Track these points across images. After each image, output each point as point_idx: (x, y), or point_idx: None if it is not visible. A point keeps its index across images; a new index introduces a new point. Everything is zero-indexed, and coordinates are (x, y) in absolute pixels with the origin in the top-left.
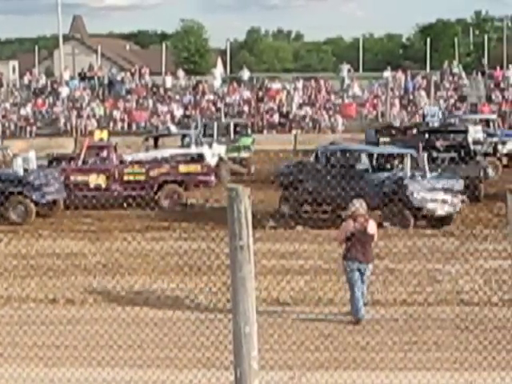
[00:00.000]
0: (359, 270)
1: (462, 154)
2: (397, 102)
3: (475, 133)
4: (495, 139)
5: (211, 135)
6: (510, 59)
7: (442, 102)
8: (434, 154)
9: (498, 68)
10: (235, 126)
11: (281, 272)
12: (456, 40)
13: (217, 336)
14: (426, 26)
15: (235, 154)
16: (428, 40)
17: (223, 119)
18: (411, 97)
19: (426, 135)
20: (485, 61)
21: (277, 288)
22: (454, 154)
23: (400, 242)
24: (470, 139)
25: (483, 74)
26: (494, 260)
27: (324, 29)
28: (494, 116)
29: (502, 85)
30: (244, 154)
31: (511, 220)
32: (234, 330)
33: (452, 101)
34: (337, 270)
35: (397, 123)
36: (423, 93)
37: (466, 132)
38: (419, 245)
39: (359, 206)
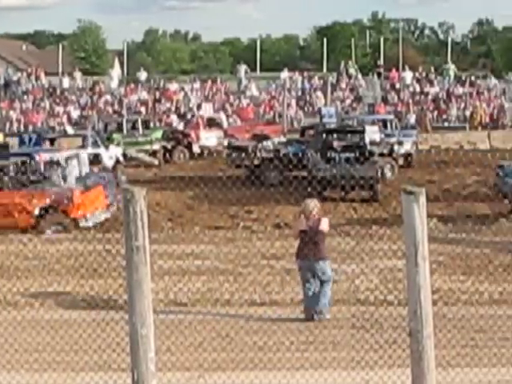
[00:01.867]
0: (308, 267)
1: (359, 154)
2: (294, 102)
3: (372, 133)
4: (392, 140)
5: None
6: (405, 60)
7: (338, 102)
8: (332, 155)
9: (394, 69)
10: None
11: (178, 273)
12: (352, 41)
13: (113, 338)
14: (322, 27)
15: (148, 147)
16: (325, 41)
17: (126, 117)
18: (308, 98)
19: (324, 135)
20: (381, 62)
21: (174, 289)
22: (350, 155)
23: (296, 242)
24: (367, 139)
25: (379, 75)
26: (389, 259)
27: (221, 30)
28: (391, 116)
29: (397, 86)
30: (156, 147)
31: (406, 219)
32: (131, 332)
33: (348, 101)
34: (233, 270)
35: (180, 126)
36: (320, 94)
37: (363, 132)
38: None
39: (313, 204)
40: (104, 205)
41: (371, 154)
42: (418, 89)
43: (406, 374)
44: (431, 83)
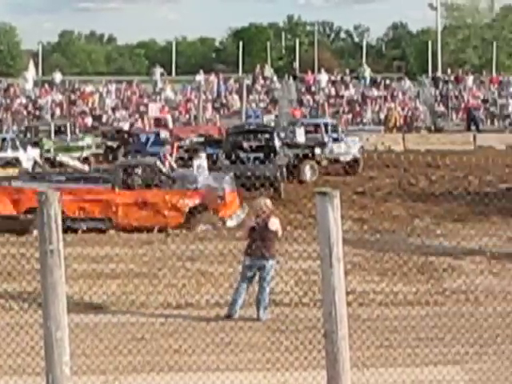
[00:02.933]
0: (258, 266)
1: (267, 154)
2: (209, 105)
3: (299, 135)
4: (335, 143)
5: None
6: (321, 63)
7: (254, 105)
8: (241, 155)
9: (310, 72)
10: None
11: (92, 276)
12: (268, 44)
13: (28, 342)
14: (238, 29)
15: (78, 154)
16: (240, 44)
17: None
18: (224, 100)
19: (234, 136)
20: (296, 65)
21: (88, 292)
22: (259, 155)
23: (211, 245)
24: (276, 140)
25: (295, 77)
26: (304, 261)
27: (137, 32)
28: (334, 121)
29: (313, 88)
30: (87, 153)
31: (320, 221)
32: (46, 336)
33: (264, 104)
34: (148, 273)
35: (126, 126)
36: (236, 96)
37: (271, 133)
38: (230, 247)
39: (262, 202)
40: (238, 205)
41: (277, 154)
42: (333, 91)
43: (322, 375)
44: (346, 86)
